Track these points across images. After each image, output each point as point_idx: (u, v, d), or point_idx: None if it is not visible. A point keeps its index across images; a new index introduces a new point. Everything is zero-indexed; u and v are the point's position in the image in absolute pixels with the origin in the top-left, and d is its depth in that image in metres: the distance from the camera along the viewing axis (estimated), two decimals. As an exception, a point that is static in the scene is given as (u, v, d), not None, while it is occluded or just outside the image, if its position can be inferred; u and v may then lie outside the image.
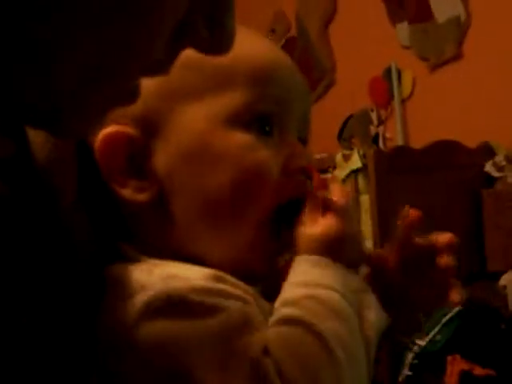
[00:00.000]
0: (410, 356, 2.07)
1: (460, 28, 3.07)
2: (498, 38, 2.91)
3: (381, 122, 3.39)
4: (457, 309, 2.13)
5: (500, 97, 2.90)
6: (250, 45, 0.72)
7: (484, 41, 2.97)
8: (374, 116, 3.39)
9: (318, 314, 0.64)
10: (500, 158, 2.55)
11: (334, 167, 2.45)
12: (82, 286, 0.64)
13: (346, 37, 3.54)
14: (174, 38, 0.50)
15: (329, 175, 2.38)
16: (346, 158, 2.40)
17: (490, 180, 2.54)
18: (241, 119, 0.69)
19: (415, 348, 2.07)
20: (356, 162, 2.34)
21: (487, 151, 2.64)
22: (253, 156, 0.69)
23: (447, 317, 2.11)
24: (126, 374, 0.62)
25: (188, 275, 0.64)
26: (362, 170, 2.28)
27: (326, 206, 0.71)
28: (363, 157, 2.29)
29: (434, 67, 3.19)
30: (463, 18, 3.05)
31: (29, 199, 0.60)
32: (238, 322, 0.63)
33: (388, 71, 3.32)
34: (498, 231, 2.43)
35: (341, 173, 2.39)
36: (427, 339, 2.07)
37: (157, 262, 0.67)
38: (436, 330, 2.08)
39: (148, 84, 0.63)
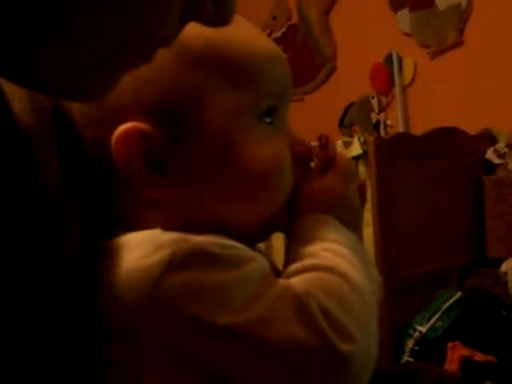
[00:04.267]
0: (410, 342, 2.08)
1: (461, 15, 3.06)
2: (499, 24, 2.91)
3: (382, 110, 3.38)
4: (457, 296, 2.14)
5: (501, 83, 2.90)
6: (252, 41, 0.73)
7: (485, 28, 2.97)
8: (374, 103, 3.39)
9: (339, 262, 0.68)
10: (501, 145, 2.55)
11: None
12: (70, 269, 0.63)
13: (347, 24, 3.53)
14: (182, 13, 0.52)
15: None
16: (347, 145, 2.40)
17: (491, 167, 2.54)
18: (254, 115, 0.71)
19: (416, 334, 2.08)
20: (357, 149, 2.34)
21: (488, 138, 2.63)
22: (273, 148, 0.72)
23: (448, 303, 2.11)
24: (152, 333, 0.61)
25: (197, 236, 0.65)
26: (363, 156, 2.28)
27: (328, 166, 0.77)
28: (364, 144, 2.29)
29: (435, 54, 3.19)
30: (464, 5, 3.04)
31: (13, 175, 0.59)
32: (268, 269, 0.67)
33: (389, 58, 3.31)
34: (498, 218, 2.43)
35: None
36: (428, 326, 2.08)
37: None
38: (437, 316, 2.09)
39: (162, 78, 0.67)
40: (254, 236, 0.74)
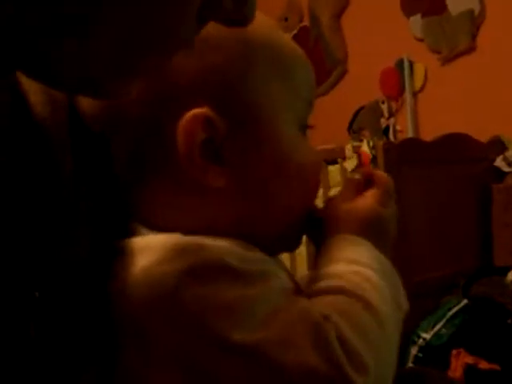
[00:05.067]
0: (414, 349, 2.07)
1: (473, 21, 3.05)
2: (512, 32, 2.90)
3: (391, 115, 3.38)
4: (463, 303, 2.13)
5: (512, 91, 2.89)
6: (299, 50, 0.76)
7: (497, 35, 2.96)
8: (384, 108, 3.38)
9: (366, 288, 0.66)
10: (510, 153, 2.54)
11: (344, 158, 2.44)
12: (83, 261, 0.63)
13: (358, 28, 3.52)
14: (200, 11, 0.51)
15: (337, 166, 2.37)
16: (356, 149, 2.39)
17: (500, 175, 2.53)
18: (298, 121, 0.73)
19: (420, 341, 2.07)
20: (366, 154, 2.34)
21: (498, 145, 2.63)
22: (314, 159, 0.75)
23: (452, 311, 2.10)
24: (162, 341, 0.60)
25: (218, 244, 0.64)
26: (372, 161, 2.28)
27: (368, 185, 0.77)
28: (373, 148, 2.29)
29: (447, 60, 3.18)
30: (477, 11, 3.03)
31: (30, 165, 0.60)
32: (289, 285, 0.66)
33: (400, 63, 3.31)
34: (506, 226, 2.42)
35: (350, 164, 2.39)
36: (432, 333, 2.07)
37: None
38: (441, 323, 2.08)
39: (231, 68, 0.68)
40: (277, 243, 0.74)
